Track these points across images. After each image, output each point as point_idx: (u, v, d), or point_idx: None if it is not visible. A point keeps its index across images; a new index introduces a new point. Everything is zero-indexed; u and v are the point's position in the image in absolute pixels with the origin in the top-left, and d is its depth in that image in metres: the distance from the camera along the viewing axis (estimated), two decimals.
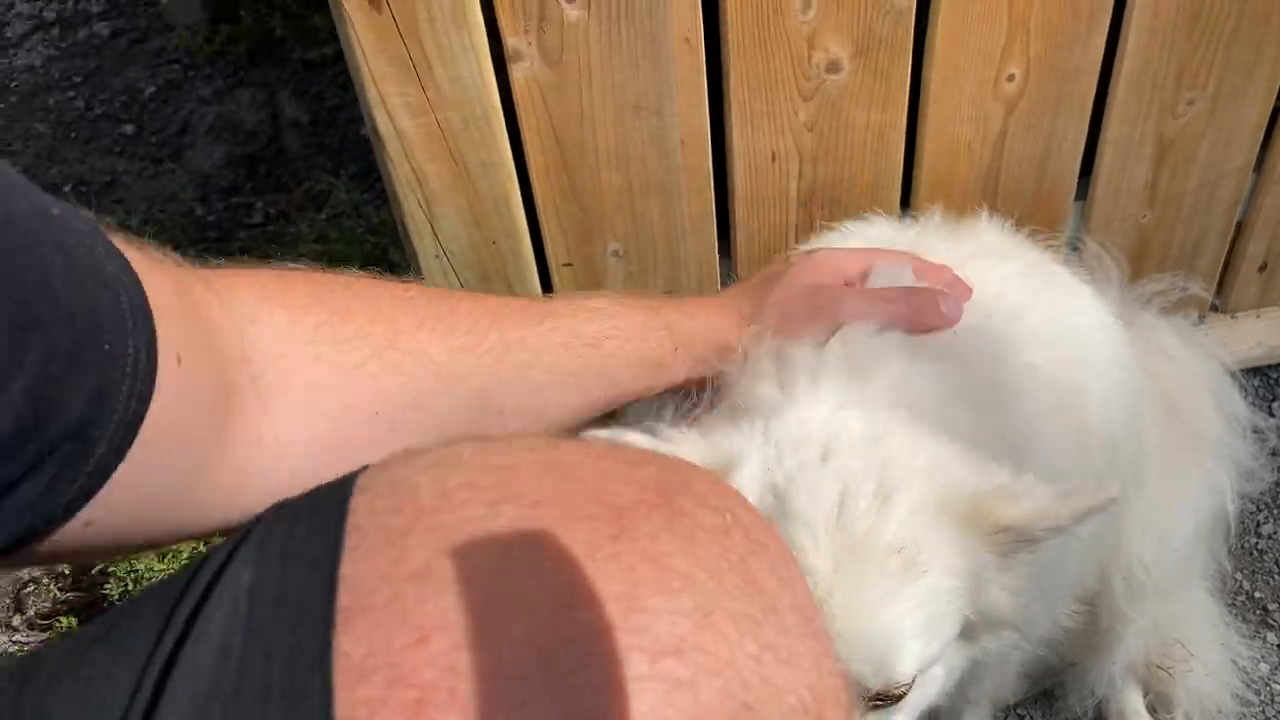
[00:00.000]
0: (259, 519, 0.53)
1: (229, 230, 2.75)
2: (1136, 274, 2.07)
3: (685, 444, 0.98)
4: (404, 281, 1.10)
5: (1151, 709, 1.92)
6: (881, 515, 0.87)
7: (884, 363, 1.04)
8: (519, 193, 1.76)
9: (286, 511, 0.53)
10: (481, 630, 0.44)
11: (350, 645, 0.45)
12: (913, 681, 0.91)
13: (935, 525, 0.89)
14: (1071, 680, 1.90)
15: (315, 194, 2.76)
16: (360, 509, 0.50)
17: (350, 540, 0.48)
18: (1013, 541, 0.91)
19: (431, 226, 1.74)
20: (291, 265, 0.91)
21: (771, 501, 0.91)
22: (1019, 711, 1.96)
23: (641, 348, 1.21)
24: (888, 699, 0.91)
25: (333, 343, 0.83)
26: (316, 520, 0.50)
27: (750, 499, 0.91)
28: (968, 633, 0.98)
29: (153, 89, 3.09)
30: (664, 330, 1.22)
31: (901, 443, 0.94)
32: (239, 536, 0.52)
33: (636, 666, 0.44)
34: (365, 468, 0.54)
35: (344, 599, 0.46)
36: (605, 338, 1.22)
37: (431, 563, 0.47)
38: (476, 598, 0.45)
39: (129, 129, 3.02)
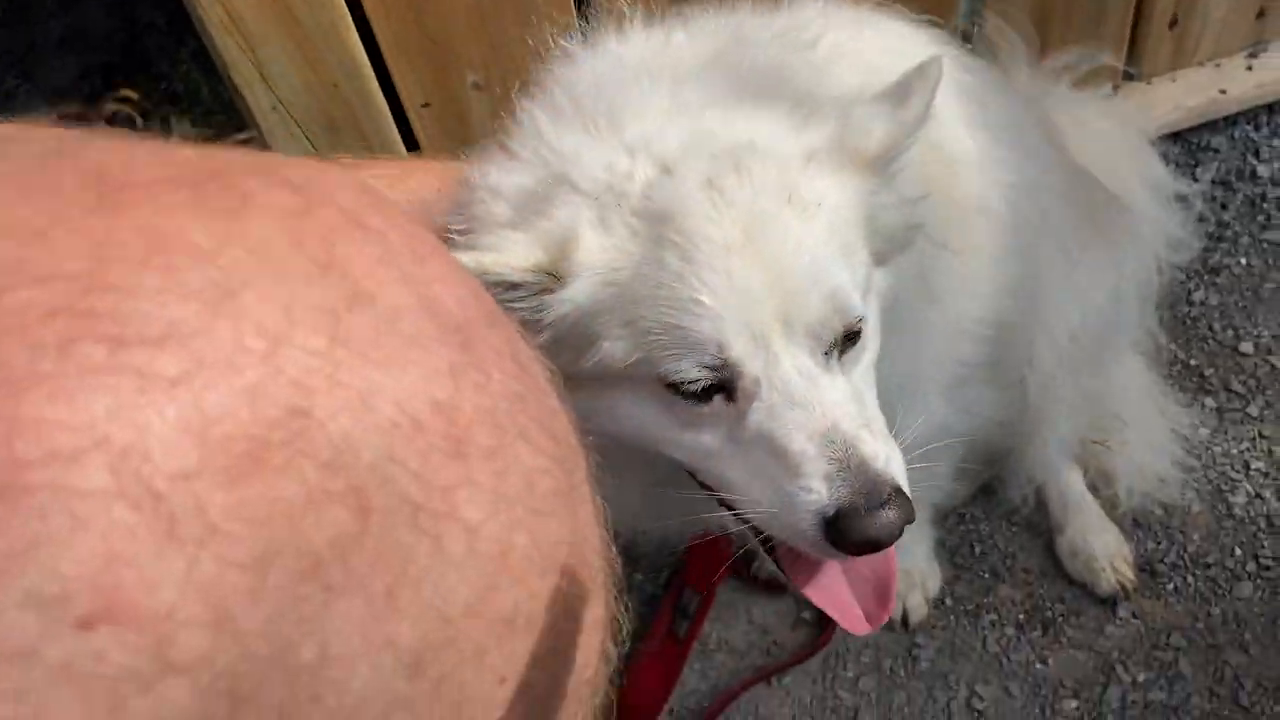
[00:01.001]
0: None
1: None
2: (1044, 46, 1.96)
3: (508, 245, 0.93)
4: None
5: (1093, 487, 1.87)
6: (756, 181, 0.94)
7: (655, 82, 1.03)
8: (351, 22, 1.61)
9: None
10: None
11: None
12: (864, 315, 0.98)
13: (810, 175, 0.97)
14: (1009, 471, 1.85)
15: (179, 96, 2.60)
16: None
17: None
18: (884, 163, 1.00)
19: (260, 72, 1.59)
20: None
21: (645, 229, 0.92)
22: (959, 510, 1.91)
23: (408, 187, 1.09)
24: (851, 339, 0.97)
25: None
26: None
27: (613, 251, 0.91)
28: (880, 258, 1.06)
29: None
30: (420, 171, 1.11)
31: (732, 122, 0.98)
32: None
33: (89, 355, 0.32)
34: None
35: None
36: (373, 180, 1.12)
37: None
38: None
39: None
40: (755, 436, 0.95)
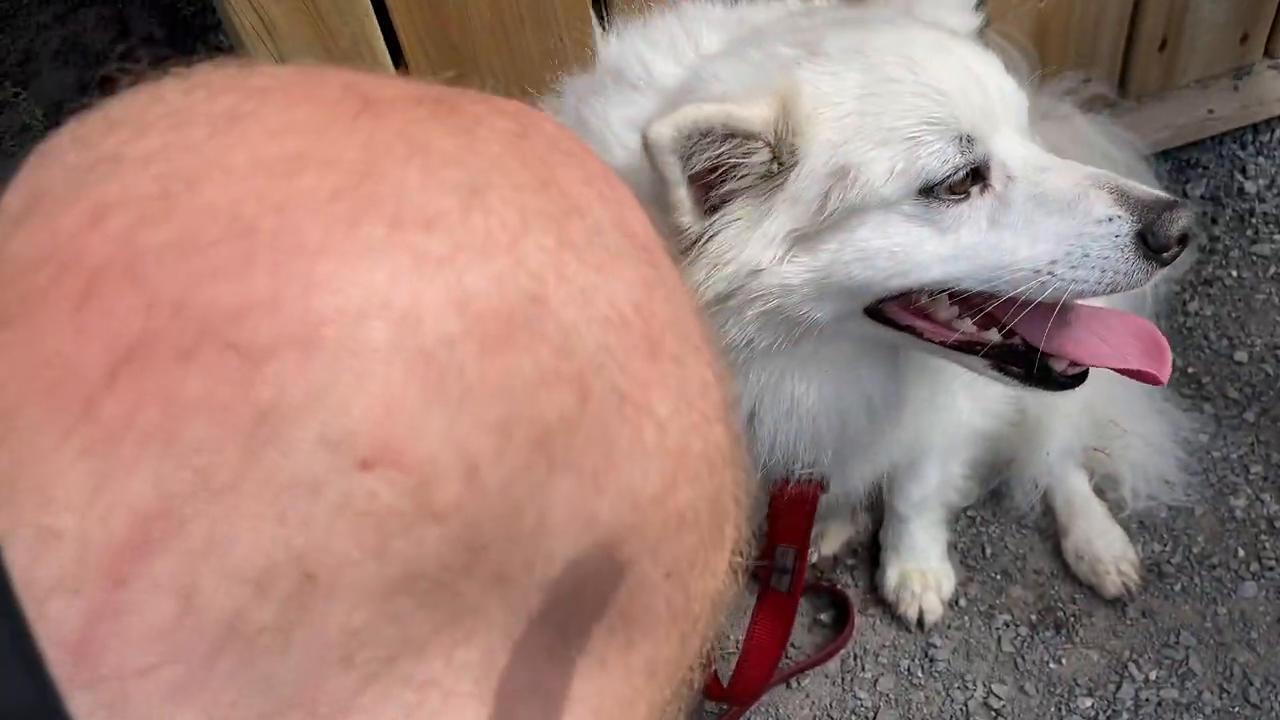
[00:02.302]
0: None
1: None
2: (1041, 62, 2.04)
3: (737, 105, 0.99)
4: None
5: (1100, 491, 1.92)
6: (915, 23, 1.08)
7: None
8: (379, 31, 1.64)
9: None
10: (169, 200, 0.36)
11: (19, 248, 0.37)
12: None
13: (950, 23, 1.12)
14: (1014, 477, 1.89)
15: None
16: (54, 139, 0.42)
17: (33, 160, 0.40)
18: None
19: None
20: None
21: (844, 63, 1.00)
22: (970, 513, 1.94)
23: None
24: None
25: None
26: None
27: (828, 90, 0.99)
28: None
29: None
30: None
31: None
32: None
33: (371, 232, 0.37)
34: None
35: (13, 203, 0.38)
36: None
37: (123, 147, 0.39)
38: (166, 169, 0.37)
39: None
40: (1023, 210, 1.00)
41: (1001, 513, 1.94)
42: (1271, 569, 1.84)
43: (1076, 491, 1.89)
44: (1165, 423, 1.94)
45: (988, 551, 1.91)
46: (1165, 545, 1.89)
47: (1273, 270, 2.15)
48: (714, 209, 0.99)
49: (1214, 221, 2.21)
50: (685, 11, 1.20)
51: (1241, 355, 2.06)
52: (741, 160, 0.96)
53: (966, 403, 1.56)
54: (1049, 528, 1.92)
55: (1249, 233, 2.19)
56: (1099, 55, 2.10)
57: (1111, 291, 1.01)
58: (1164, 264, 0.99)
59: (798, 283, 1.02)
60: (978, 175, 1.01)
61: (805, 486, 1.34)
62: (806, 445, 1.18)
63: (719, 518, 0.49)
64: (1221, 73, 2.20)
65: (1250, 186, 2.22)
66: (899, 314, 1.08)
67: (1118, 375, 1.89)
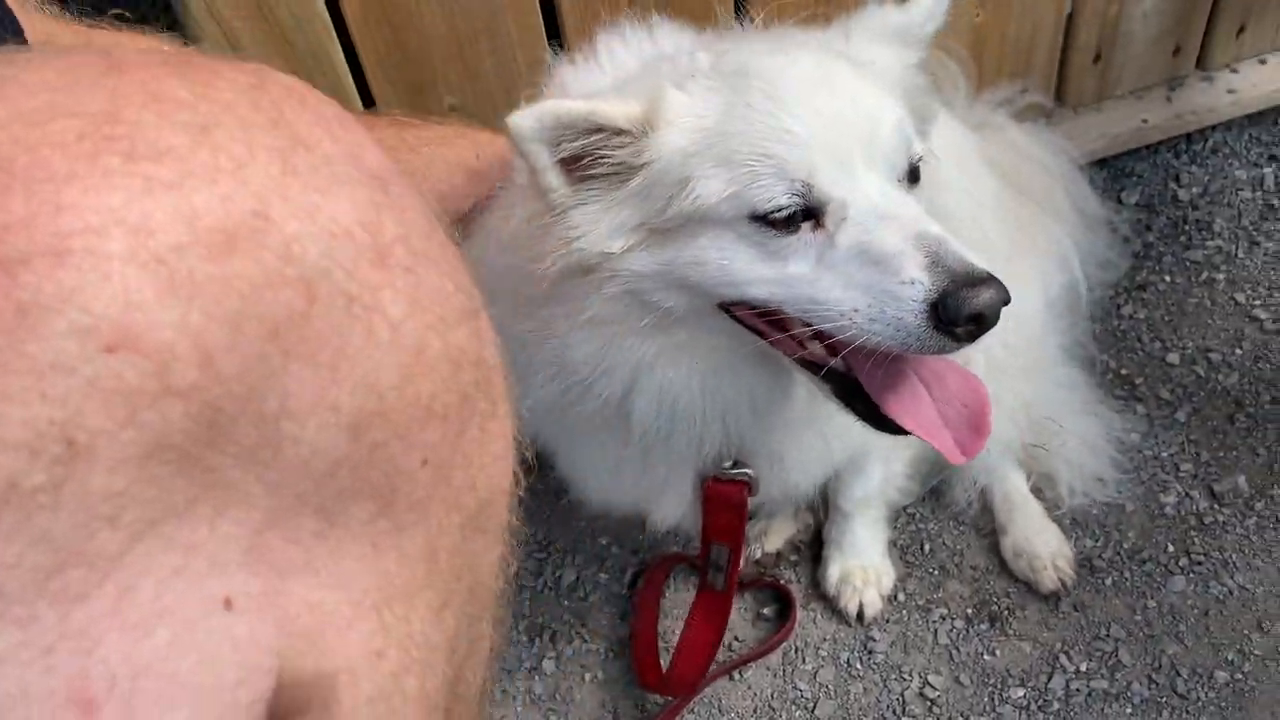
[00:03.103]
0: None
1: None
2: (979, 75, 2.10)
3: (607, 100, 1.06)
4: None
5: (1037, 490, 1.98)
6: (814, 45, 1.12)
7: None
8: (339, 47, 1.69)
9: None
10: None
11: None
12: (922, 155, 1.09)
13: (854, 45, 1.15)
14: (954, 474, 1.95)
15: None
16: None
17: None
18: (910, 42, 1.18)
19: None
20: None
21: (722, 84, 1.06)
22: (909, 510, 2.00)
23: (452, 153, 1.21)
24: (913, 178, 1.09)
25: None
26: None
27: (697, 103, 1.05)
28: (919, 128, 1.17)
29: None
30: (460, 138, 1.24)
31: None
32: None
33: (109, 163, 0.44)
34: None
35: None
36: (422, 143, 1.21)
37: None
38: None
39: None
40: (848, 253, 1.02)
41: (940, 510, 2.00)
42: (1200, 564, 1.91)
43: (1015, 490, 1.95)
44: (1099, 422, 2.00)
45: (926, 548, 1.97)
46: (1097, 541, 1.95)
47: (1205, 275, 2.23)
48: (580, 188, 1.07)
49: (1148, 228, 2.28)
50: (628, 35, 1.25)
51: (1174, 357, 2.13)
52: (608, 152, 1.03)
53: None
54: (985, 525, 1.97)
55: (1182, 239, 2.26)
56: (1035, 66, 2.17)
57: (910, 352, 1.02)
58: (957, 339, 0.99)
59: (647, 271, 1.08)
60: (811, 214, 1.03)
61: (733, 486, 1.38)
62: (685, 431, 1.22)
63: (472, 413, 0.56)
64: (1155, 83, 2.27)
65: (1183, 194, 2.29)
66: (748, 317, 1.11)
67: (1058, 376, 1.98)
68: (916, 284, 0.98)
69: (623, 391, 1.18)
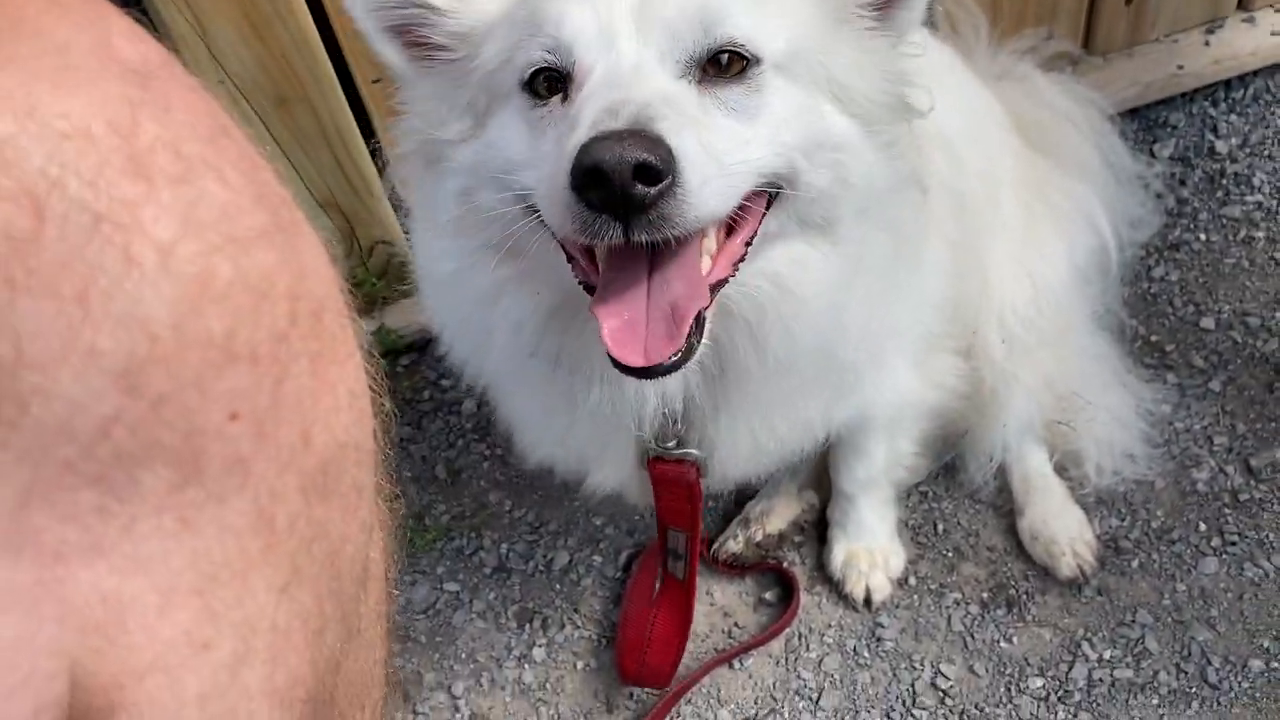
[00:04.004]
0: None
1: None
2: (1003, 23, 1.96)
3: None
4: None
5: (1061, 468, 1.85)
6: None
7: None
8: (315, 30, 1.59)
9: None
10: None
11: None
12: (751, 50, 0.93)
13: None
14: (968, 450, 1.83)
15: None
16: None
17: None
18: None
19: (207, 47, 1.56)
20: None
21: None
22: (922, 489, 1.89)
23: None
24: (731, 70, 0.93)
25: None
26: None
27: None
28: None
29: None
30: None
31: None
32: None
33: None
34: None
35: None
36: None
37: None
38: None
39: None
40: (566, 124, 0.90)
41: (955, 488, 1.88)
42: (1234, 544, 1.79)
43: (1035, 470, 1.83)
44: (1128, 394, 1.87)
45: (939, 528, 1.85)
46: (1123, 520, 1.83)
47: (1243, 233, 2.08)
48: (421, 64, 0.99)
49: (1182, 183, 2.13)
50: None
51: (1208, 322, 1.99)
52: (434, 21, 0.96)
53: (910, 377, 1.50)
54: (1003, 503, 1.86)
55: (1219, 194, 2.11)
56: (1062, 10, 2.02)
57: (568, 236, 0.89)
58: (593, 208, 0.85)
59: (468, 163, 0.99)
60: (564, 83, 0.93)
61: (678, 466, 1.28)
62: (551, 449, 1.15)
63: (294, 355, 0.46)
64: (1192, 26, 2.11)
65: (1221, 146, 2.14)
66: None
67: (1085, 347, 1.85)
68: (575, 146, 0.85)
69: (482, 320, 1.10)
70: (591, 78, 0.89)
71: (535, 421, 1.35)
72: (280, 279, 0.45)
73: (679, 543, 1.46)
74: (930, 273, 1.40)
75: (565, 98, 0.91)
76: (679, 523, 1.42)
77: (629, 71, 0.88)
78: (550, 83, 0.91)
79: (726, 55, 0.93)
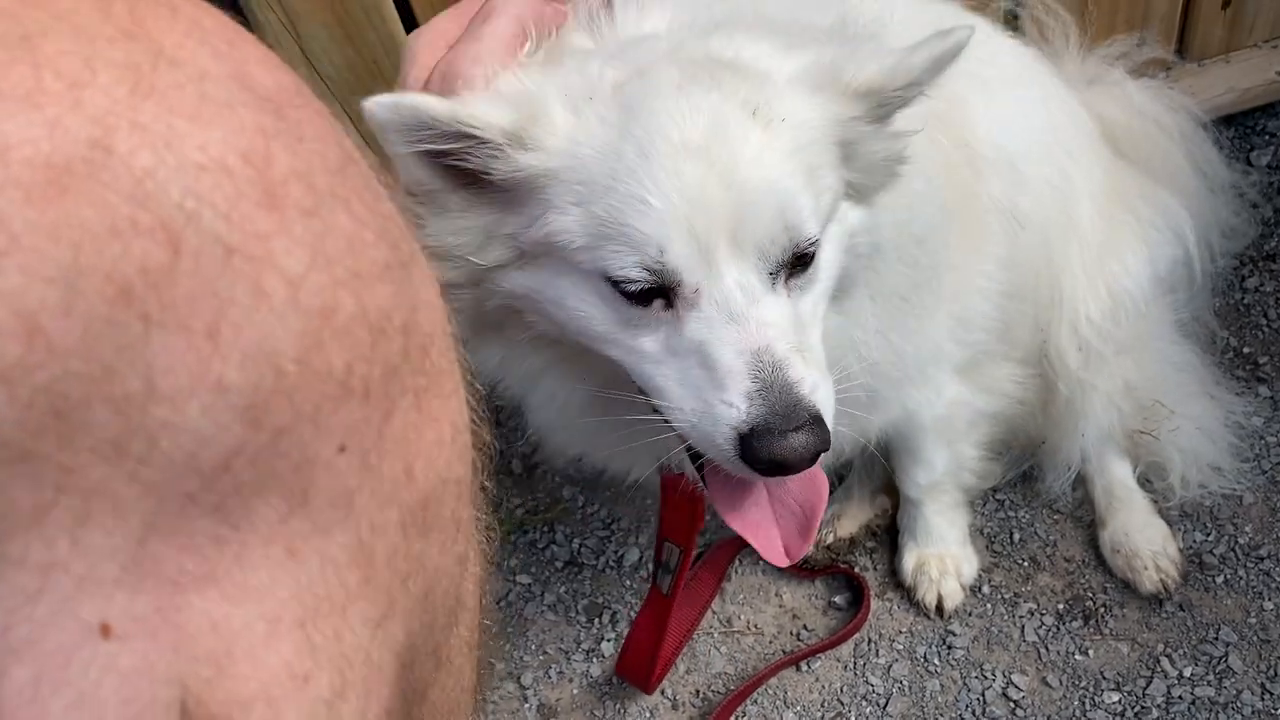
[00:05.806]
0: None
1: None
2: (1090, 26, 1.92)
3: (481, 101, 0.92)
4: None
5: (1145, 480, 1.81)
6: (726, 89, 0.93)
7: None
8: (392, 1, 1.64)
9: None
10: None
11: None
12: (818, 240, 0.97)
13: (783, 92, 0.95)
14: (1046, 459, 1.80)
15: None
16: None
17: None
18: (870, 99, 0.97)
19: (301, 50, 1.63)
20: None
21: (615, 119, 0.92)
22: (998, 496, 1.86)
23: None
24: (803, 263, 0.97)
25: None
26: None
27: (579, 131, 0.91)
28: (860, 193, 1.04)
29: None
30: None
31: (726, 44, 0.99)
32: None
33: None
34: None
35: None
36: None
37: None
38: None
39: None
40: (690, 346, 0.95)
41: (1033, 497, 1.85)
42: None
43: (1118, 481, 1.79)
44: (1217, 405, 1.82)
45: (1016, 537, 1.83)
46: (1209, 535, 1.78)
47: None
48: (459, 185, 0.95)
49: (1279, 193, 2.07)
50: None
51: None
52: (484, 156, 0.91)
53: (955, 384, 1.49)
54: (1083, 514, 1.82)
55: None
56: (1155, 14, 1.98)
57: (725, 465, 0.97)
58: (760, 473, 0.94)
59: (520, 292, 0.99)
60: (665, 292, 0.94)
61: (693, 487, 1.29)
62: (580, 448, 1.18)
63: (403, 390, 0.46)
64: None
65: None
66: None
67: (1168, 356, 1.81)
68: (734, 409, 0.93)
69: (519, 395, 1.16)
70: (702, 300, 0.93)
71: (562, 427, 1.35)
72: (396, 314, 0.45)
73: (673, 557, 1.47)
74: (973, 294, 1.39)
75: (668, 305, 0.95)
76: (676, 536, 1.43)
77: (738, 297, 0.93)
78: (647, 292, 0.94)
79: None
